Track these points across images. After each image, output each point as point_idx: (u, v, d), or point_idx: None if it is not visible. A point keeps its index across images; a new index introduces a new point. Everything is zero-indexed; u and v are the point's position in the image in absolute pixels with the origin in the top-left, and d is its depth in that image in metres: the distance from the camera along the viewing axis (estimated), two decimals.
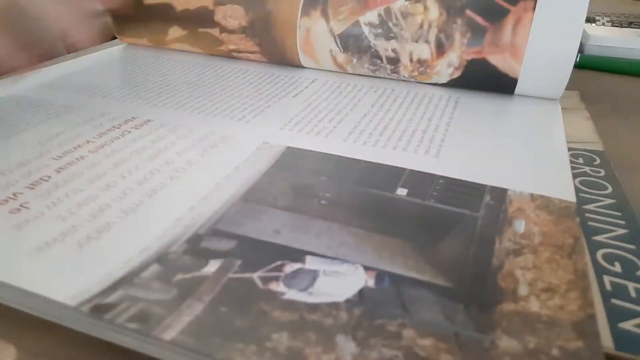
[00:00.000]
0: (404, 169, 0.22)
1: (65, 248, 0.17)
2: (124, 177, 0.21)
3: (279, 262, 0.16)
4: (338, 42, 0.34)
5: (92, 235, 0.18)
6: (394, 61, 0.33)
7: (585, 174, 0.24)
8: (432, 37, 0.32)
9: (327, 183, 0.21)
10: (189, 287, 0.15)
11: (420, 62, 0.33)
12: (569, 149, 0.25)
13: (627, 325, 0.15)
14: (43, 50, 0.42)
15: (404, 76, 0.34)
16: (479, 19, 0.31)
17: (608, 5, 0.69)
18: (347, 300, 0.15)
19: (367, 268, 0.16)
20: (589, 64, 0.42)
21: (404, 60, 0.33)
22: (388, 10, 0.32)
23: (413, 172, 0.22)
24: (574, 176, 0.23)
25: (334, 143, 0.25)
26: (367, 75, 0.36)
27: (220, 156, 0.23)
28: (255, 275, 0.16)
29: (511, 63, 0.32)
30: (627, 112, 0.33)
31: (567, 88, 0.33)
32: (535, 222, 0.19)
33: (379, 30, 0.33)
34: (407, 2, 0.32)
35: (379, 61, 0.33)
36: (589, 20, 0.52)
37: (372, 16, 0.33)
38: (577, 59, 0.42)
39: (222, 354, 0.13)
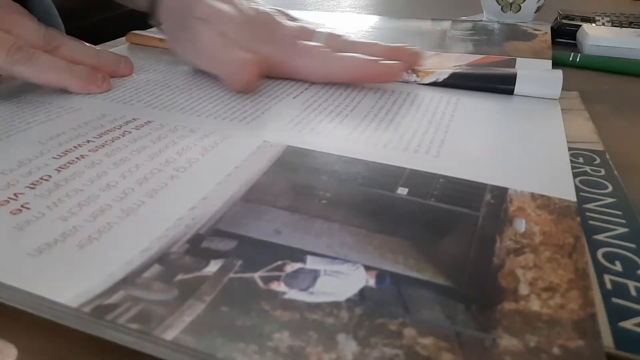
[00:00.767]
0: (404, 169, 0.22)
1: (66, 249, 0.17)
2: (124, 177, 0.21)
3: (279, 262, 0.16)
4: None
5: (93, 235, 0.18)
6: None
7: (585, 173, 0.24)
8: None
9: (328, 182, 0.21)
10: (190, 287, 0.15)
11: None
12: (569, 149, 0.25)
13: (628, 324, 0.15)
14: None
15: (406, 72, 0.34)
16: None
17: (608, 5, 0.69)
18: (348, 300, 0.15)
19: (367, 267, 0.16)
20: (588, 64, 0.42)
21: None
22: None
23: (413, 172, 0.22)
24: (575, 175, 0.23)
25: (334, 143, 0.25)
26: None
27: (221, 156, 0.23)
28: (256, 275, 0.16)
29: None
30: (627, 112, 0.33)
31: (567, 88, 0.33)
32: (536, 221, 0.19)
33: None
34: None
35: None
36: (589, 20, 0.52)
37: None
38: (577, 59, 0.42)
39: (224, 354, 0.13)
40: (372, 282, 0.16)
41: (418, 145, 0.25)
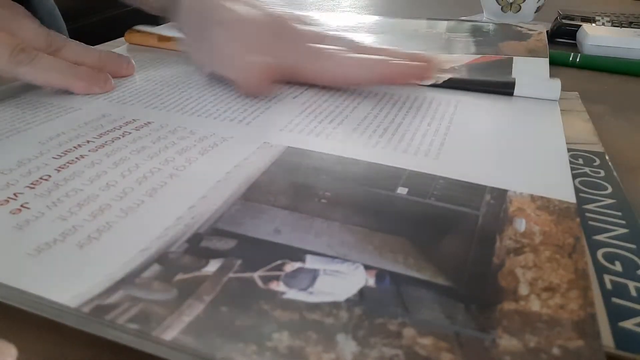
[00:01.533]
0: (404, 170, 0.22)
1: (66, 248, 0.17)
2: (124, 176, 0.21)
3: (279, 262, 0.16)
4: None
5: (93, 235, 0.18)
6: None
7: (585, 174, 0.24)
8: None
9: (328, 182, 0.21)
10: (189, 287, 0.15)
11: None
12: (569, 150, 0.25)
13: (628, 324, 0.15)
14: None
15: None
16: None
17: (608, 5, 0.69)
18: (348, 300, 0.15)
19: (367, 267, 0.16)
20: (588, 64, 0.42)
21: None
22: None
23: (413, 173, 0.22)
24: (574, 177, 0.23)
25: (334, 144, 0.25)
26: None
27: (221, 155, 0.23)
28: (256, 275, 0.16)
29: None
30: (627, 112, 0.33)
31: (567, 88, 0.33)
32: (535, 222, 0.19)
33: None
34: None
35: None
36: (589, 20, 0.52)
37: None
38: (577, 59, 0.42)
39: (223, 354, 0.13)
40: (371, 282, 0.16)
41: (418, 147, 0.25)
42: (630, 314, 0.15)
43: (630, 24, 0.51)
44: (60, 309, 0.15)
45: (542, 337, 0.14)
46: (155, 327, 0.14)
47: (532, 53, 0.41)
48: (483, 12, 0.60)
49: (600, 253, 0.18)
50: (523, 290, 0.15)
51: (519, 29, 0.50)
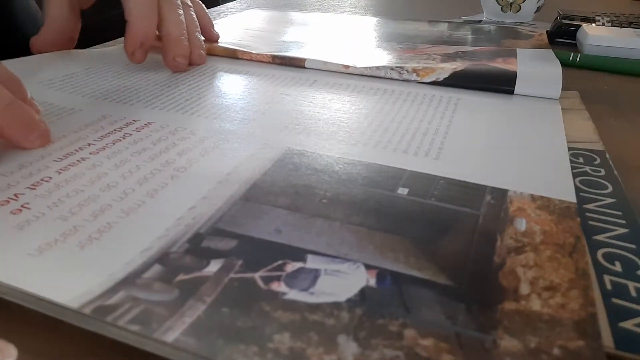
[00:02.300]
0: (404, 170, 0.22)
1: (66, 249, 0.17)
2: (124, 177, 0.21)
3: (280, 262, 0.16)
4: None
5: (94, 235, 0.18)
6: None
7: (585, 173, 0.24)
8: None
9: (328, 182, 0.21)
10: (190, 287, 0.15)
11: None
12: (569, 149, 0.25)
13: (628, 324, 0.15)
14: None
15: (407, 71, 0.34)
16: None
17: (608, 5, 0.69)
18: (349, 300, 0.15)
19: (368, 266, 0.16)
20: (588, 64, 0.42)
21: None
22: None
23: (413, 174, 0.22)
24: (575, 176, 0.23)
25: (334, 145, 0.25)
26: (368, 76, 0.36)
27: (221, 155, 0.23)
28: (257, 275, 0.16)
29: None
30: (627, 112, 0.33)
31: (567, 88, 0.33)
32: (536, 221, 0.19)
33: None
34: None
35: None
36: (589, 20, 0.52)
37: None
38: (577, 59, 0.42)
39: (224, 356, 0.13)
40: (372, 282, 0.16)
41: (418, 147, 0.25)
42: (630, 314, 0.15)
43: (630, 24, 0.51)
44: (61, 310, 0.15)
45: (543, 337, 0.14)
46: (156, 329, 0.14)
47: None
48: (483, 12, 0.60)
49: (600, 253, 0.18)
50: (524, 289, 0.15)
51: (520, 30, 0.50)
